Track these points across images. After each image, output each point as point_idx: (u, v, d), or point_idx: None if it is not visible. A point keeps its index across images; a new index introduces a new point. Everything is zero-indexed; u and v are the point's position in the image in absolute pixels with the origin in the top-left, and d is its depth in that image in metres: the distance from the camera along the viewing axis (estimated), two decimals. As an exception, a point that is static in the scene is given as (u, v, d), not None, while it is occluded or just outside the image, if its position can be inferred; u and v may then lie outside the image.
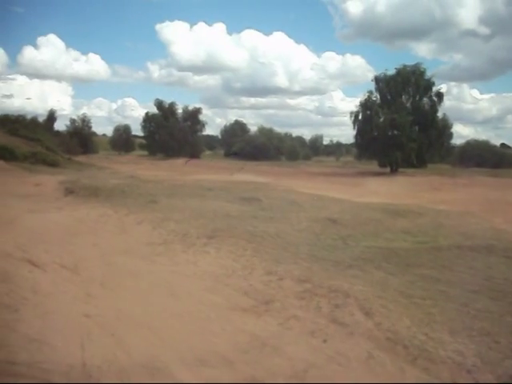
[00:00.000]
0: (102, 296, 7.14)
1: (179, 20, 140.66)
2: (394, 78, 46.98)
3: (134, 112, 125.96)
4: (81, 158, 46.64)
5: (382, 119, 46.77)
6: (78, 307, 6.58)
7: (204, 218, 12.81)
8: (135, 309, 6.62)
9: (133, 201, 15.49)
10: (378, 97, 48.33)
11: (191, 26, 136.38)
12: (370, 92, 48.39)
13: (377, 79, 48.44)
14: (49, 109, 77.00)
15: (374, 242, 11.02)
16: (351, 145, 71.28)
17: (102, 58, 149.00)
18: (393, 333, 5.69)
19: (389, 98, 47.46)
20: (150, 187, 20.38)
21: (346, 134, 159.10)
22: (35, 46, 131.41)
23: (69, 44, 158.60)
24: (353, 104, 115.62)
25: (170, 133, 71.45)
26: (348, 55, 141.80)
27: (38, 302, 6.53)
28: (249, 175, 37.35)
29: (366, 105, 48.07)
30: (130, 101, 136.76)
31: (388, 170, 47.37)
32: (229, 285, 7.73)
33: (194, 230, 11.20)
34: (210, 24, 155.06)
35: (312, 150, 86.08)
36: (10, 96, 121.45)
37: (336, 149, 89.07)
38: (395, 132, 46.01)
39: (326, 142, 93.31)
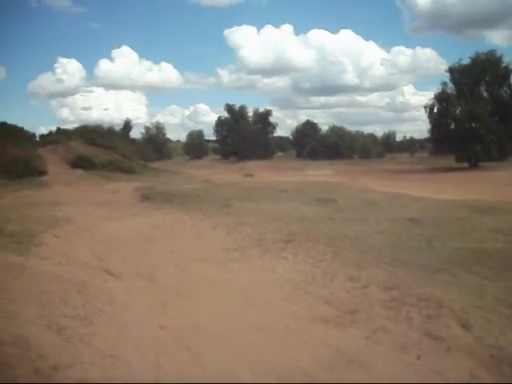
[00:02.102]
0: (178, 306, 6.91)
1: (247, 24, 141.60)
2: (469, 68, 44.72)
3: (206, 117, 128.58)
4: (156, 164, 47.78)
5: (458, 111, 44.69)
6: (153, 319, 6.36)
7: (279, 222, 12.43)
8: (212, 320, 6.32)
9: (207, 205, 15.37)
10: (454, 88, 46.14)
11: (258, 30, 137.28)
12: (445, 84, 46.35)
13: (451, 70, 46.27)
14: (125, 118, 79.72)
15: (461, 242, 10.17)
16: (426, 140, 68.75)
17: (174, 66, 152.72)
18: (497, 349, 5.03)
19: (465, 89, 45.19)
20: (224, 191, 20.26)
21: (419, 129, 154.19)
22: (110, 58, 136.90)
23: (142, 55, 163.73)
24: (425, 98, 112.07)
25: (242, 136, 71.91)
26: (418, 48, 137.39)
27: (113, 314, 6.37)
28: (322, 175, 36.69)
29: (441, 97, 46.09)
30: (201, 106, 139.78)
31: (466, 164, 45.04)
32: (309, 293, 7.29)
33: (270, 234, 10.84)
34: (277, 26, 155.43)
35: (385, 147, 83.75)
36: (88, 108, 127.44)
37: (410, 145, 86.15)
38: (473, 124, 43.73)
39: (398, 138, 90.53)
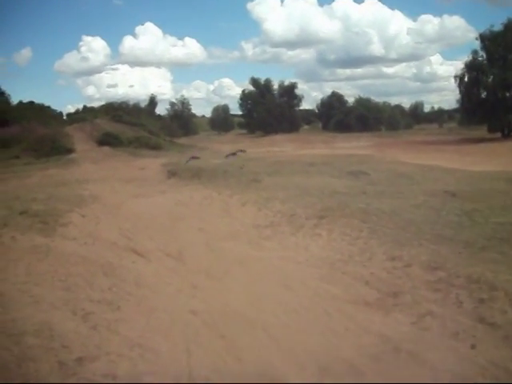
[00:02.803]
0: (209, 288, 6.56)
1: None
2: (501, 34, 42.62)
3: (231, 91, 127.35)
4: (182, 140, 47.51)
5: (490, 80, 42.97)
6: (183, 302, 6.03)
7: (310, 196, 11.94)
8: (245, 303, 5.95)
9: (236, 181, 14.96)
10: (485, 56, 44.28)
11: (282, 1, 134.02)
12: (475, 52, 44.41)
13: (482, 37, 44.17)
14: (150, 94, 79.48)
15: (504, 217, 9.50)
16: (454, 110, 66.64)
17: (198, 41, 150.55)
18: (562, 336, 4.53)
19: (497, 56, 43.31)
20: (252, 165, 19.82)
21: (447, 99, 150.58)
22: (134, 35, 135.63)
23: (165, 30, 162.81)
24: (453, 68, 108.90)
25: (267, 109, 70.98)
26: (446, 16, 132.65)
27: (141, 298, 6.06)
28: (351, 147, 35.91)
29: (471, 65, 44.22)
30: (226, 81, 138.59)
31: (499, 135, 43.49)
32: (347, 273, 6.85)
33: (302, 209, 10.37)
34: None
35: (413, 119, 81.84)
36: (114, 85, 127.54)
37: (438, 116, 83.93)
38: (506, 93, 42.08)
39: (426, 109, 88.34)
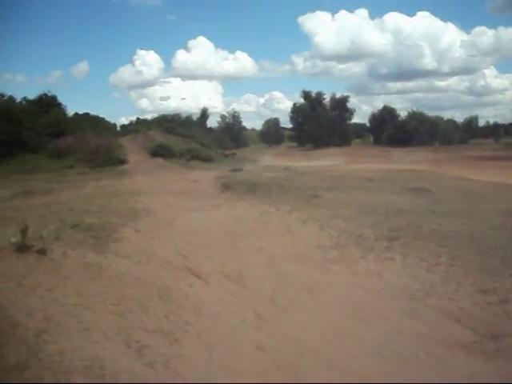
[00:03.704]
0: (275, 319, 5.83)
1: (321, 10, 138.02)
2: None
3: (281, 105, 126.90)
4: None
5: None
6: (248, 335, 5.33)
7: (375, 215, 11.07)
8: (318, 339, 5.20)
9: (293, 196, 14.21)
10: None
11: (333, 15, 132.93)
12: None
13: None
14: (201, 107, 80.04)
15: None
16: (511, 125, 63.97)
17: (249, 55, 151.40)
18: None
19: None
20: (308, 180, 19.04)
21: (501, 113, 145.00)
22: (187, 49, 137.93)
23: (217, 44, 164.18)
24: (509, 81, 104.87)
25: (318, 122, 70.19)
26: (501, 28, 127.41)
27: (201, 328, 5.38)
28: (406, 162, 34.60)
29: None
30: (276, 94, 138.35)
31: None
32: (430, 306, 6.00)
33: (369, 229, 9.54)
34: (351, 11, 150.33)
35: (467, 133, 79.16)
36: (166, 98, 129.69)
37: (493, 130, 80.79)
38: None
39: (480, 123, 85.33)
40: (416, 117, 74.00)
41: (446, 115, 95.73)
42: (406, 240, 8.68)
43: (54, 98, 39.75)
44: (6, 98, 36.59)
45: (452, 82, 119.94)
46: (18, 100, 37.76)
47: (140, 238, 9.10)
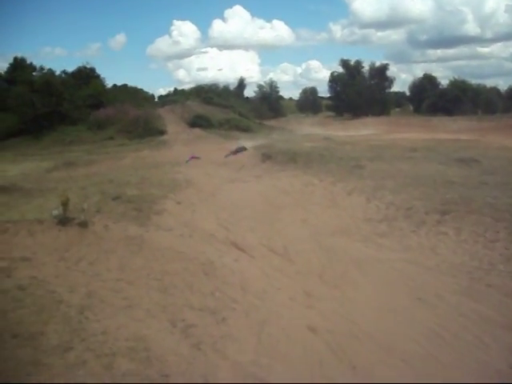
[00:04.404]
0: (326, 297, 5.52)
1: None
2: None
3: (318, 74, 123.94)
4: (271, 122, 46.60)
5: None
6: (298, 314, 5.04)
7: (423, 186, 10.54)
8: (373, 321, 4.87)
9: (335, 166, 13.73)
10: None
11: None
12: None
13: None
14: (238, 77, 79.18)
15: None
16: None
17: (286, 24, 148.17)
18: None
19: None
20: (349, 150, 18.48)
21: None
22: (223, 19, 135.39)
23: (254, 13, 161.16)
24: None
25: (357, 91, 68.49)
26: None
27: (249, 306, 5.12)
28: (449, 131, 33.41)
29: None
30: (313, 63, 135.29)
31: None
32: (493, 286, 5.58)
33: (418, 202, 9.06)
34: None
35: (511, 101, 76.00)
36: (204, 69, 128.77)
37: (539, 98, 77.27)
38: None
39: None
40: (458, 85, 71.36)
41: (489, 83, 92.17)
42: (458, 214, 8.19)
43: (92, 70, 39.77)
44: (45, 70, 36.85)
45: (495, 48, 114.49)
46: (58, 73, 37.97)
47: (181, 210, 8.89)
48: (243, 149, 18.05)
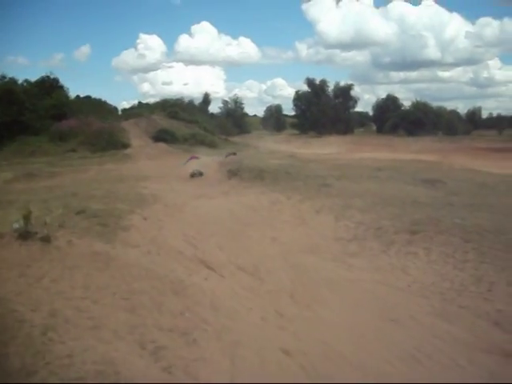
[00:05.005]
0: (298, 317, 5.43)
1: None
2: None
3: (283, 92, 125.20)
4: (236, 139, 46.67)
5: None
6: (271, 336, 4.92)
7: (391, 206, 10.64)
8: (347, 342, 4.80)
9: (302, 184, 13.76)
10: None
11: (337, 2, 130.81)
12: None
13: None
14: (204, 92, 79.14)
15: None
16: (515, 116, 63.29)
17: (252, 41, 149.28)
18: None
19: None
20: (314, 168, 18.61)
21: (503, 105, 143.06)
22: (190, 34, 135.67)
23: (221, 30, 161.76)
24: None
25: (322, 110, 69.52)
26: (506, 19, 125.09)
27: (220, 327, 4.97)
28: (411, 152, 34.09)
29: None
30: (279, 81, 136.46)
31: None
32: (464, 307, 5.61)
33: (387, 221, 9.12)
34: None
35: (470, 124, 78.49)
36: (169, 83, 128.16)
37: (497, 122, 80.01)
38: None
39: (483, 115, 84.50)
40: (419, 107, 73.39)
41: (449, 106, 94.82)
42: (427, 234, 8.27)
43: (56, 80, 38.95)
44: (7, 79, 35.90)
45: (455, 72, 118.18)
46: (20, 82, 37.09)
47: (148, 226, 8.68)
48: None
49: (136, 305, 5.28)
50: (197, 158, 14.96)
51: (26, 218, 7.07)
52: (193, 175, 16.68)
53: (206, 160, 20.74)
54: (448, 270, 6.77)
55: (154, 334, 4.65)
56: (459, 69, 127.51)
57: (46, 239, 6.92)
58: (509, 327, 5.03)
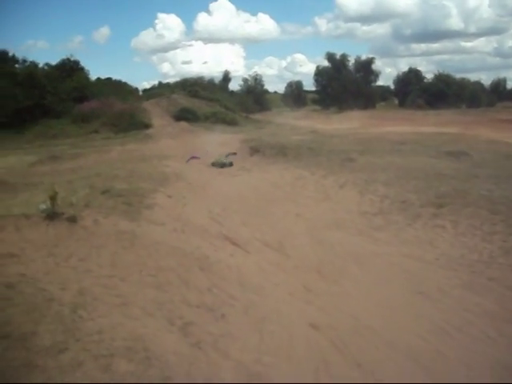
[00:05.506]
0: (326, 292, 5.39)
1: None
2: None
3: (303, 68, 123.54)
4: (256, 116, 46.39)
5: None
6: (299, 311, 4.90)
7: (416, 179, 10.48)
8: (376, 316, 4.74)
9: (325, 159, 13.62)
10: None
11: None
12: None
13: None
14: (223, 71, 78.71)
15: None
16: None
17: (271, 17, 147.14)
18: None
19: None
20: (337, 143, 18.39)
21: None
22: (208, 12, 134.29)
23: (239, 6, 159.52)
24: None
25: (343, 85, 68.60)
26: None
27: (247, 303, 4.97)
28: (434, 125, 33.50)
29: None
30: (299, 57, 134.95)
31: None
32: (493, 279, 5.51)
33: (413, 195, 8.99)
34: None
35: (494, 95, 76.58)
36: (188, 62, 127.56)
37: (522, 93, 77.93)
38: None
39: (508, 86, 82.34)
40: (442, 79, 71.86)
41: (472, 77, 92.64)
42: (454, 206, 8.13)
43: (76, 63, 39.02)
44: (28, 63, 36.10)
45: (479, 43, 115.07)
46: (41, 66, 37.22)
47: (173, 204, 8.69)
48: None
49: (163, 282, 5.30)
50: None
51: (53, 198, 7.13)
52: (222, 166, 15.05)
53: (227, 138, 20.67)
54: (476, 242, 6.65)
55: (181, 310, 4.67)
56: (482, 39, 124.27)
57: (73, 219, 6.97)
58: (542, 299, 4.92)
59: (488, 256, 6.15)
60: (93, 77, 42.74)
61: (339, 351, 4.10)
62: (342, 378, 3.72)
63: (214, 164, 14.83)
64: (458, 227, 7.27)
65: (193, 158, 14.13)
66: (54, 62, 38.79)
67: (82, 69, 39.11)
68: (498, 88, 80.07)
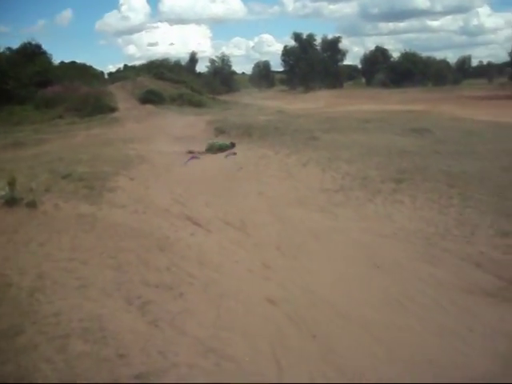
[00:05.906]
0: (284, 268, 5.50)
1: None
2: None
3: (271, 48, 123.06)
4: (224, 97, 46.20)
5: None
6: (257, 287, 5.00)
7: (378, 156, 10.69)
8: (333, 290, 4.88)
9: (290, 138, 13.74)
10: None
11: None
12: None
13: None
14: (190, 52, 77.81)
15: None
16: (505, 64, 63.10)
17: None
18: None
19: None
20: (303, 122, 18.48)
21: (494, 53, 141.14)
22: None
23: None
24: (503, 19, 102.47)
25: (310, 64, 68.79)
26: None
27: (206, 280, 5.05)
28: (400, 103, 33.94)
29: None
30: (266, 37, 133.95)
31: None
32: (448, 250, 5.71)
33: (374, 171, 9.18)
34: None
35: (460, 73, 77.74)
36: (154, 44, 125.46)
37: (487, 70, 79.26)
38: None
39: (473, 63, 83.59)
40: (409, 57, 72.55)
41: (439, 56, 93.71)
42: (413, 182, 8.36)
43: (38, 47, 38.08)
44: (-13, 48, 35.10)
45: (445, 21, 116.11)
46: (1, 50, 36.23)
47: (135, 187, 8.67)
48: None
49: (123, 263, 5.34)
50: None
51: (11, 184, 7.06)
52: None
53: (193, 119, 20.60)
54: (433, 215, 6.87)
55: (140, 289, 4.72)
56: (448, 17, 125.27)
57: (32, 204, 6.93)
58: (490, 268, 5.13)
59: (443, 228, 6.35)
60: (56, 61, 41.80)
61: (295, 324, 4.22)
62: (296, 350, 3.84)
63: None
64: (417, 201, 7.47)
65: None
66: (15, 46, 37.81)
67: (45, 53, 38.22)
68: (464, 66, 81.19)
